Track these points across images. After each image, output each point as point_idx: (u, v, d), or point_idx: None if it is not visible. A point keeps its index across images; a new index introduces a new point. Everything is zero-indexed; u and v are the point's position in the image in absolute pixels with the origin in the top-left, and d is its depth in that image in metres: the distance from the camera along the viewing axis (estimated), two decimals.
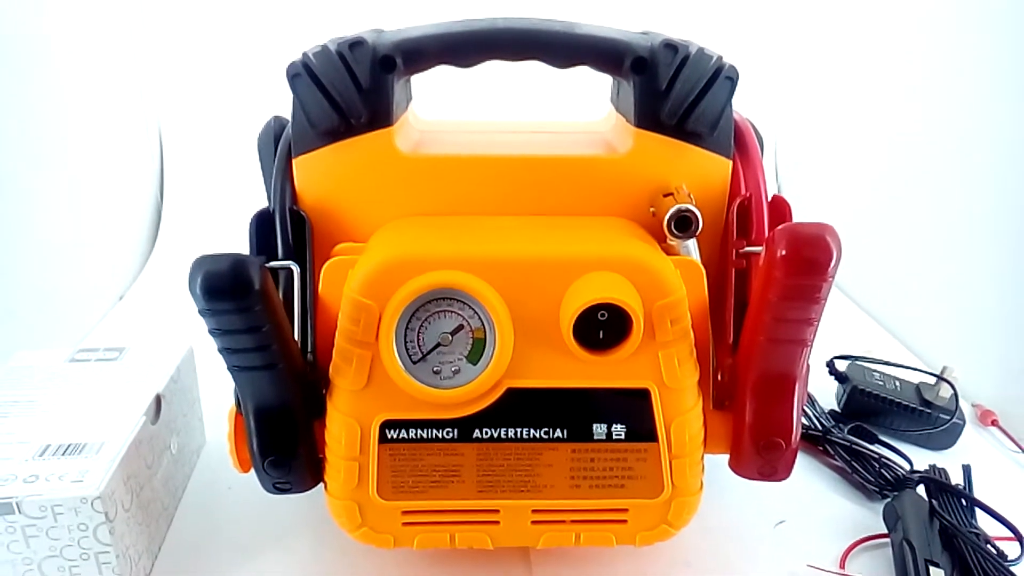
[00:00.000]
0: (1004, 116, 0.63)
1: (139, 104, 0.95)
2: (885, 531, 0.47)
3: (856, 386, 0.58)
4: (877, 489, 0.50)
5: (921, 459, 0.54)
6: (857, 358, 0.61)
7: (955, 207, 0.70)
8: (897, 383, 0.60)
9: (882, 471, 0.51)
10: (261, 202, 0.43)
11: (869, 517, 0.50)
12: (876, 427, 0.57)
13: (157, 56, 0.97)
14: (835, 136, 0.89)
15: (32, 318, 0.68)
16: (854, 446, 0.53)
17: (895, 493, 0.49)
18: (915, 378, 0.60)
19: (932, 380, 0.59)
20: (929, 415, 0.57)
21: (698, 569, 0.45)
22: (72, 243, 0.76)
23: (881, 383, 0.59)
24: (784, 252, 0.34)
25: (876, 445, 0.55)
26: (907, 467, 0.52)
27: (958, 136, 0.69)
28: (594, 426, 0.38)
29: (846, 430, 0.56)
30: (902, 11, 0.77)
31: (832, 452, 0.53)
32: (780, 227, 0.34)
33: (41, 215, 0.71)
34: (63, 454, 0.41)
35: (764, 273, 0.35)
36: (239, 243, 0.60)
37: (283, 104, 0.44)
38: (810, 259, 0.34)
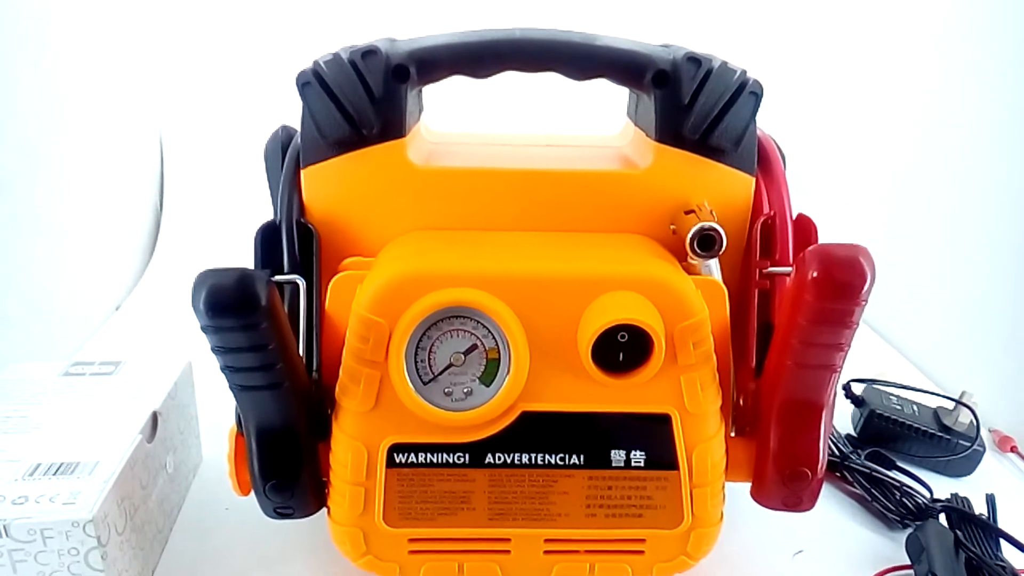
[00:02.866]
0: (1017, 138, 0.62)
1: (140, 110, 0.94)
2: (907, 562, 0.45)
3: (874, 410, 0.56)
4: (898, 518, 0.49)
5: (938, 486, 0.52)
6: (874, 381, 0.60)
7: (969, 227, 0.69)
8: (915, 407, 0.58)
9: (903, 499, 0.49)
10: (263, 212, 0.41)
11: (889, 547, 0.48)
12: (893, 452, 0.55)
13: (158, 63, 0.96)
14: (844, 151, 0.88)
15: (26, 328, 0.66)
16: (874, 473, 0.51)
17: (916, 523, 0.48)
18: (933, 402, 0.59)
19: (950, 405, 0.58)
20: (948, 441, 0.55)
21: None
22: (69, 252, 0.75)
23: (899, 407, 0.57)
24: (816, 274, 0.32)
25: (894, 471, 0.53)
26: (927, 495, 0.51)
27: (970, 155, 0.68)
28: (612, 452, 0.36)
29: (863, 455, 0.54)
30: (913, 27, 0.76)
31: (851, 479, 0.51)
32: (812, 248, 0.33)
33: (37, 222, 0.69)
34: (55, 474, 0.39)
35: (794, 296, 0.34)
36: (240, 254, 0.58)
37: (286, 113, 0.43)
38: (843, 282, 0.32)
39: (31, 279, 0.68)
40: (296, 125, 0.43)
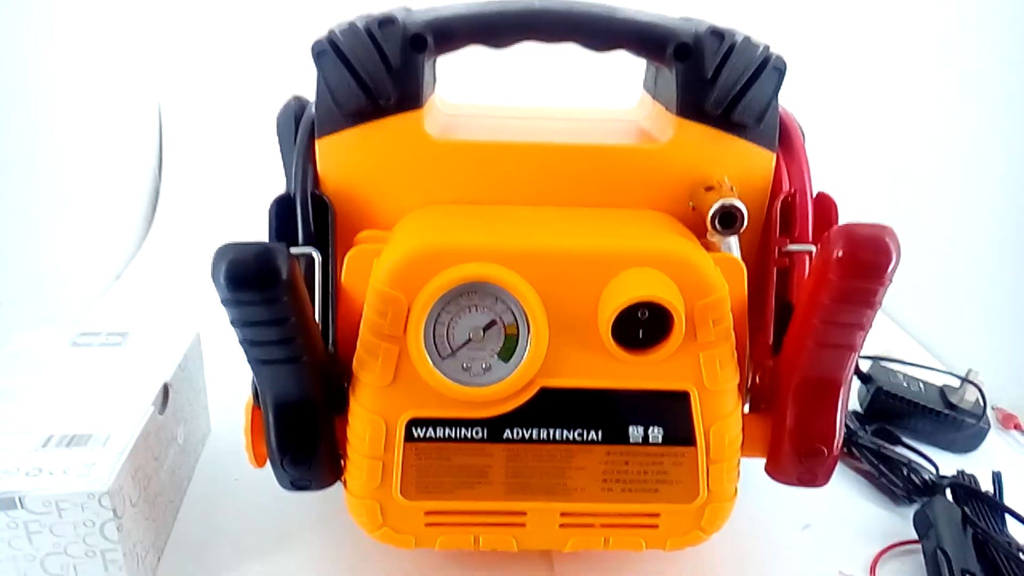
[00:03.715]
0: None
1: (138, 76, 0.92)
2: (914, 537, 0.46)
3: (880, 387, 0.57)
4: (905, 494, 0.49)
5: (943, 462, 0.52)
6: (881, 359, 0.60)
7: (975, 205, 0.69)
8: (921, 385, 0.58)
9: (910, 476, 0.50)
10: (262, 179, 0.40)
11: (896, 522, 0.48)
12: (899, 429, 0.56)
13: (157, 31, 0.94)
14: (852, 129, 0.87)
15: (27, 298, 0.66)
16: (881, 449, 0.51)
17: (923, 499, 0.48)
18: (939, 380, 0.59)
19: (956, 382, 0.58)
20: (954, 418, 0.56)
21: (724, 572, 0.44)
22: (68, 221, 0.74)
23: (905, 385, 0.58)
24: (841, 253, 0.32)
25: (899, 447, 0.54)
26: (934, 472, 0.51)
27: (978, 133, 0.68)
28: (630, 428, 0.36)
29: (870, 432, 0.54)
30: (919, 13, 0.75)
31: (858, 455, 0.52)
32: (837, 227, 0.33)
33: (35, 191, 0.68)
34: (67, 445, 0.39)
35: (817, 274, 0.34)
36: (239, 222, 0.58)
37: (284, 79, 0.42)
38: (868, 262, 0.32)
39: (31, 248, 0.67)
40: (304, 94, 0.42)
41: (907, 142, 0.78)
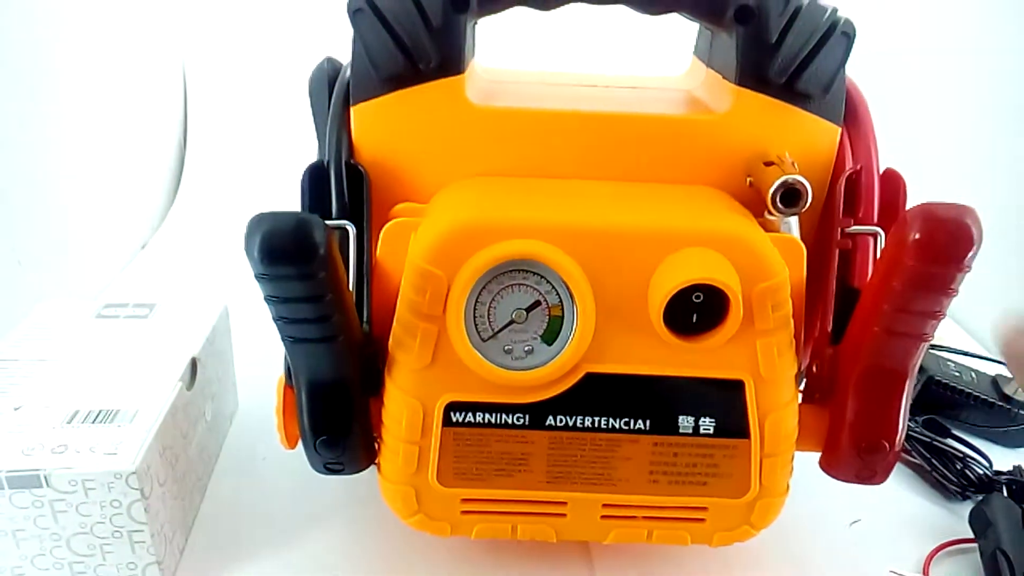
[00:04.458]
0: None
1: (162, 42, 0.90)
2: (969, 535, 0.44)
3: (932, 376, 0.54)
4: (958, 490, 0.47)
5: (994, 456, 0.50)
6: (932, 346, 0.57)
7: None
8: (973, 375, 0.56)
9: (964, 470, 0.47)
10: (292, 146, 0.38)
11: (949, 519, 0.46)
12: (949, 420, 0.53)
13: None
14: (922, 103, 0.83)
15: (51, 266, 0.64)
16: (934, 442, 0.49)
17: (978, 495, 0.46)
18: (991, 369, 0.57)
19: (1010, 373, 0.55)
20: (1008, 410, 0.53)
21: (770, 569, 0.42)
22: (93, 190, 0.72)
23: (957, 374, 0.55)
24: (918, 235, 0.30)
25: (949, 440, 0.51)
26: (988, 466, 0.49)
27: None
28: (680, 418, 0.34)
29: (920, 423, 0.52)
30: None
31: (908, 448, 0.50)
32: (915, 207, 0.30)
33: (60, 160, 0.67)
34: (93, 421, 0.37)
35: (889, 258, 0.31)
36: (267, 191, 0.56)
37: (319, 42, 0.40)
38: (948, 245, 0.29)
39: (56, 217, 0.66)
40: (337, 55, 0.40)
41: (982, 117, 0.74)
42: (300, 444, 0.35)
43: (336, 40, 0.40)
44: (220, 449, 0.49)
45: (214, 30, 0.95)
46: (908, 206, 0.35)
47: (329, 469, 0.36)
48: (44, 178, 0.64)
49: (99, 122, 0.74)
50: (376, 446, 0.36)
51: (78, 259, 0.69)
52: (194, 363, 0.43)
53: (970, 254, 0.30)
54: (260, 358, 0.44)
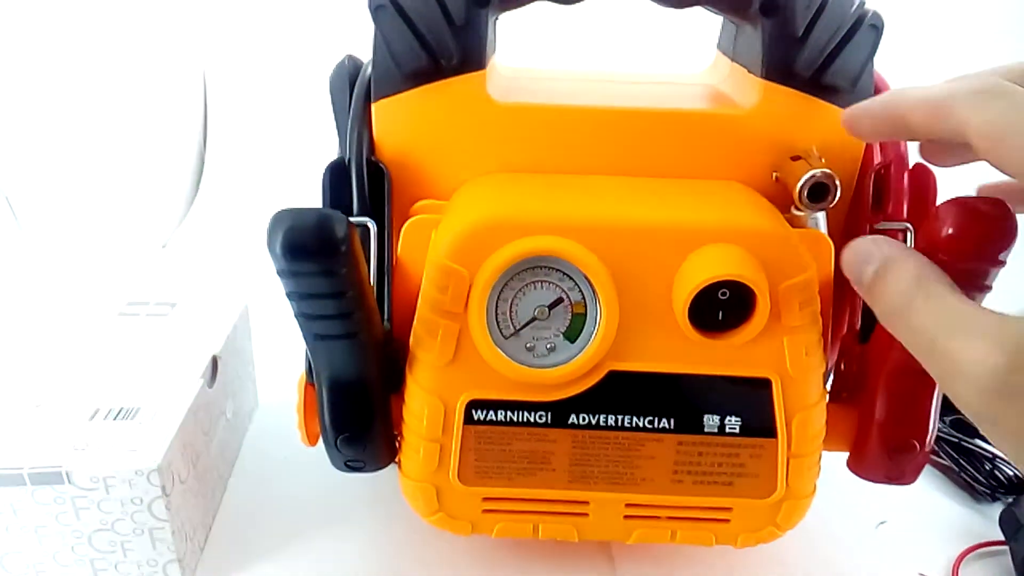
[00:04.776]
0: None
1: (183, 43, 0.91)
2: (999, 538, 0.43)
3: None
4: (988, 491, 0.46)
5: None
6: None
7: None
8: None
9: (994, 471, 0.46)
10: (311, 144, 0.38)
11: (978, 521, 0.45)
12: None
13: None
14: None
15: (73, 266, 0.65)
16: (962, 443, 0.48)
17: (1008, 497, 0.45)
18: None
19: None
20: None
21: (796, 571, 0.41)
22: (114, 189, 0.73)
23: None
24: (951, 231, 0.29)
25: (977, 440, 0.50)
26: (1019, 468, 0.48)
27: None
28: (705, 417, 0.34)
29: (947, 423, 0.51)
30: None
31: (937, 449, 0.49)
32: (947, 201, 0.29)
33: (82, 159, 0.67)
34: (115, 418, 0.38)
35: (922, 254, 0.30)
36: (286, 189, 0.56)
37: (336, 40, 0.40)
38: (982, 240, 0.29)
39: (77, 217, 0.66)
40: (356, 53, 0.40)
41: None
42: (320, 442, 0.35)
43: (357, 38, 0.40)
44: (240, 447, 0.49)
45: (235, 31, 0.95)
46: (938, 202, 0.34)
47: (350, 467, 0.36)
48: (67, 180, 0.64)
49: (120, 121, 0.74)
50: (397, 444, 0.36)
51: (99, 258, 0.70)
52: (215, 361, 0.43)
53: (1007, 249, 0.29)
54: (280, 356, 0.44)
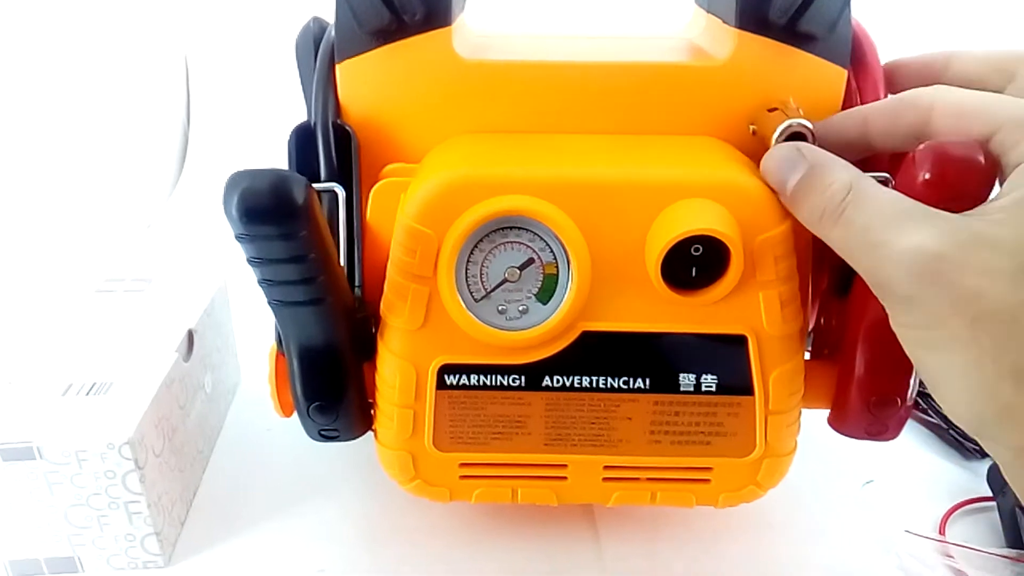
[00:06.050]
0: None
1: (165, 25, 0.89)
2: (987, 494, 0.43)
3: None
4: (976, 448, 0.45)
5: None
6: None
7: None
8: None
9: None
10: (291, 123, 0.37)
11: (966, 477, 0.45)
12: None
13: None
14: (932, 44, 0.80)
15: (56, 248, 0.64)
16: None
17: None
18: None
19: None
20: None
21: (781, 531, 0.41)
22: (98, 170, 0.72)
23: None
24: (929, 176, 0.28)
25: None
26: None
27: None
28: (681, 376, 0.33)
29: None
30: None
31: (924, 405, 0.48)
32: (924, 145, 0.29)
33: (64, 141, 0.66)
34: (88, 393, 0.37)
35: None
36: (272, 164, 0.55)
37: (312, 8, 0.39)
38: (960, 183, 0.28)
39: (61, 199, 0.66)
40: (328, 17, 0.39)
41: None
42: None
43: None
44: (223, 422, 0.49)
45: (217, 14, 0.93)
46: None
47: (324, 436, 0.35)
48: (44, 156, 0.64)
49: (104, 102, 0.73)
50: (372, 412, 0.36)
51: (83, 239, 0.69)
52: (191, 334, 0.43)
53: (984, 193, 0.28)
54: (263, 334, 0.44)
